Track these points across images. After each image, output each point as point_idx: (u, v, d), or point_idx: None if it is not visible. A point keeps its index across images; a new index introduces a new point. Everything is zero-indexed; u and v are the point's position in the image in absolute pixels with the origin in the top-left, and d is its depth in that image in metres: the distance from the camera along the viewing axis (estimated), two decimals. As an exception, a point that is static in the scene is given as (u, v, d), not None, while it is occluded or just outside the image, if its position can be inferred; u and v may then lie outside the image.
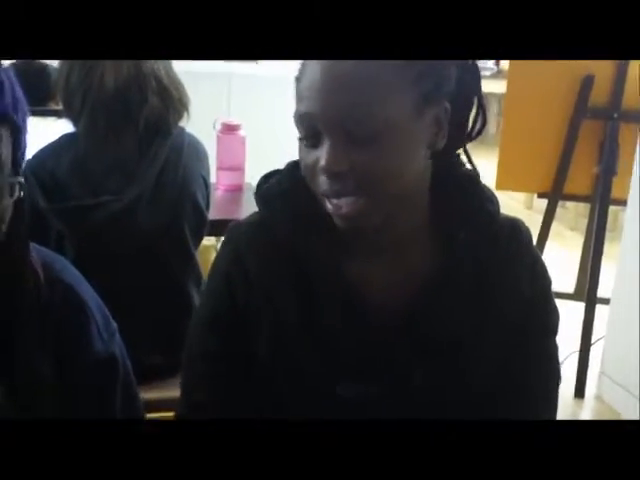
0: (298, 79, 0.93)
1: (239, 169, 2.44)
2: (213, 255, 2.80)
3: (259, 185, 1.05)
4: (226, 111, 2.59)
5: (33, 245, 0.98)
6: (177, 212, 1.76)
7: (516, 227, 1.03)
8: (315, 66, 0.89)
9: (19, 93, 0.91)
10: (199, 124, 1.86)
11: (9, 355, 0.93)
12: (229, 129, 2.43)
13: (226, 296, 1.03)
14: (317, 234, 0.99)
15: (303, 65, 0.92)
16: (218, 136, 2.42)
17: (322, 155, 0.89)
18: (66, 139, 1.74)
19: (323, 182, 0.90)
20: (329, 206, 0.92)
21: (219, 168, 2.39)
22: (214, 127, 2.42)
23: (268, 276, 1.01)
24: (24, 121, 0.92)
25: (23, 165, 0.94)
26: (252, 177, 2.47)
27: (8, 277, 0.92)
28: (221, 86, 3.41)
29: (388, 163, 0.88)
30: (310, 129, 0.90)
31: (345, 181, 0.89)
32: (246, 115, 2.54)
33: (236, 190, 2.43)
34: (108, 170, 1.70)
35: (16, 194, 0.89)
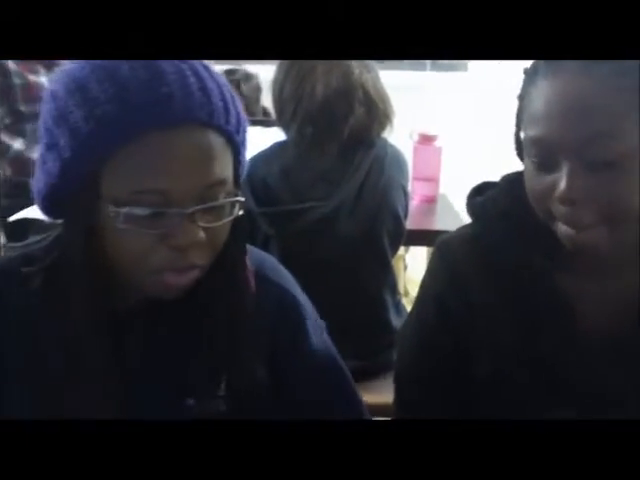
0: (522, 97, 0.93)
1: (434, 180, 2.44)
2: (401, 265, 2.80)
3: (470, 197, 1.05)
4: (422, 121, 2.61)
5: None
6: (377, 220, 1.79)
7: None
8: (549, 88, 0.88)
9: (240, 109, 0.88)
10: (396, 134, 1.88)
11: (226, 361, 0.93)
12: (426, 140, 2.43)
13: (440, 321, 1.02)
14: (539, 256, 0.97)
15: (530, 85, 0.91)
16: (415, 147, 2.42)
17: (560, 181, 0.87)
18: (277, 146, 1.83)
19: (559, 208, 0.89)
20: (561, 231, 0.91)
21: (415, 178, 2.38)
22: (411, 137, 2.43)
23: (487, 298, 1.00)
24: (244, 140, 0.89)
25: (241, 180, 0.95)
26: (446, 188, 2.51)
27: (223, 289, 0.92)
28: (417, 96, 3.46)
29: (626, 191, 0.87)
30: (546, 154, 0.89)
31: (583, 209, 0.88)
32: (441, 126, 2.55)
33: (430, 201, 2.43)
34: (314, 177, 1.76)
35: (235, 212, 0.87)
